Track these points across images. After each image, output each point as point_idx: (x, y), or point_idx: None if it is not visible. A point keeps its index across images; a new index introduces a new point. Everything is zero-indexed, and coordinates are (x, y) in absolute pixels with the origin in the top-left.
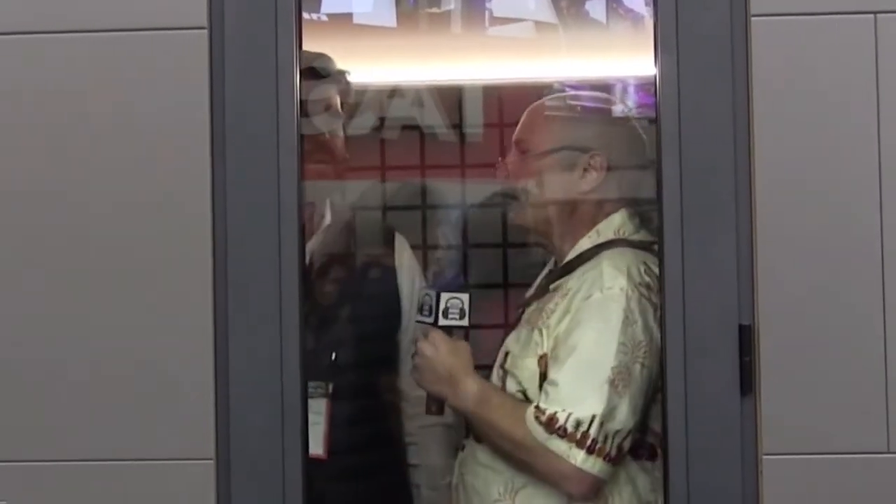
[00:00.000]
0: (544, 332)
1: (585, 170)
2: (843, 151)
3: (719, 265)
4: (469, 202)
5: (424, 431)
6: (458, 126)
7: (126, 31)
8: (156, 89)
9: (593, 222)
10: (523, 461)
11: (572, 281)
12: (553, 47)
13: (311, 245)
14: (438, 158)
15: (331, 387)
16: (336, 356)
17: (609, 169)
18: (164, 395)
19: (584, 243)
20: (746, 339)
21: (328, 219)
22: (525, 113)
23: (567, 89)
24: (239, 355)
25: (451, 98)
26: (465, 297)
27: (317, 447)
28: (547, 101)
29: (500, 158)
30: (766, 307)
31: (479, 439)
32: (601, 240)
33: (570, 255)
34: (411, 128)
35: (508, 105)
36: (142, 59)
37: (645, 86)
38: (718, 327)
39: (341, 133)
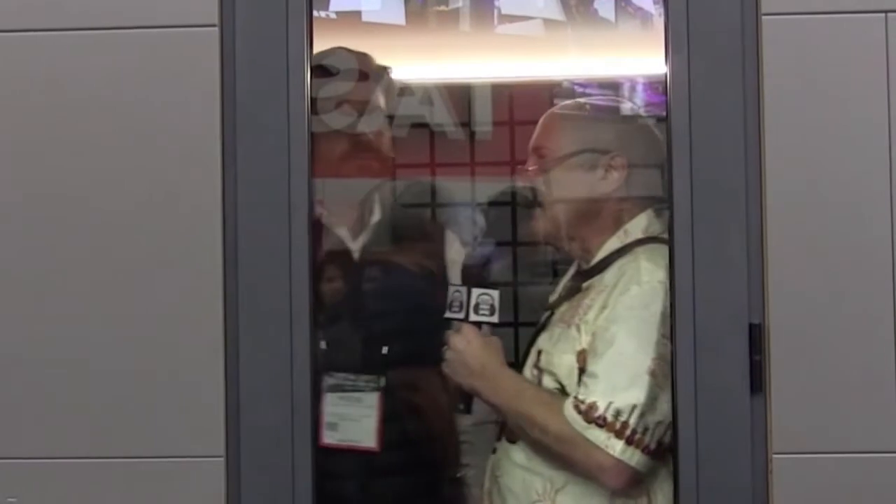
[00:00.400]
0: (582, 328)
1: (607, 171)
2: (854, 150)
3: (730, 264)
4: (478, 200)
5: (476, 430)
6: (466, 124)
7: (137, 29)
8: (167, 86)
9: (619, 223)
10: (559, 454)
11: (608, 276)
12: (562, 45)
13: (361, 241)
14: (447, 156)
15: (383, 380)
16: (388, 350)
17: (629, 169)
18: (174, 392)
19: (613, 243)
20: (757, 337)
21: (377, 215)
22: (541, 119)
23: (576, 87)
24: (249, 353)
25: (460, 96)
26: (495, 293)
27: (369, 440)
28: (562, 105)
29: (519, 166)
30: (777, 306)
31: (511, 440)
32: (630, 239)
33: (599, 256)
34: (420, 126)
35: (517, 103)
36: (153, 56)
37: (654, 84)
38: (729, 326)
39: (386, 131)
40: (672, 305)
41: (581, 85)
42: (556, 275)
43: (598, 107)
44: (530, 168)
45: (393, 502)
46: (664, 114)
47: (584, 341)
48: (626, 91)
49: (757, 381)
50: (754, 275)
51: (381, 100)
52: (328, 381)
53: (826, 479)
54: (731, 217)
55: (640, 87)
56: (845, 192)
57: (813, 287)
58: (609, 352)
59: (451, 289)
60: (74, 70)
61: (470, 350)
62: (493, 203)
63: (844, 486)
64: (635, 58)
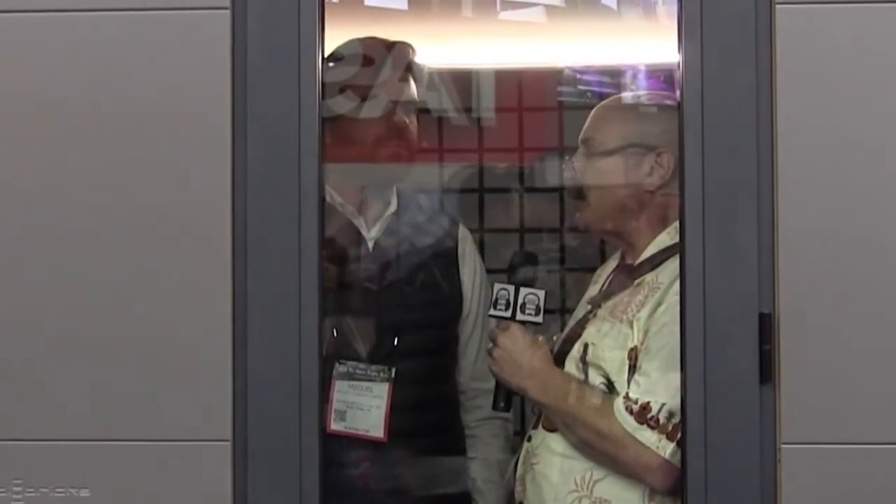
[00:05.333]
0: (635, 324)
1: (652, 167)
2: (866, 139)
3: (740, 253)
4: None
5: (482, 424)
6: (469, 110)
7: (149, 11)
8: (178, 69)
9: (667, 219)
10: (606, 453)
11: (662, 275)
12: (564, 32)
13: (375, 231)
14: (451, 142)
15: (393, 371)
16: (398, 341)
17: (676, 166)
18: (181, 376)
19: (664, 239)
20: (766, 327)
21: (393, 206)
22: (592, 112)
23: (578, 74)
24: (257, 336)
25: (463, 81)
26: (541, 293)
27: (377, 430)
28: (613, 99)
29: (567, 158)
30: (787, 295)
31: (550, 429)
32: None
33: (649, 252)
34: (422, 111)
35: (519, 89)
36: (164, 39)
37: (655, 72)
38: (738, 315)
39: (412, 118)
40: (682, 294)
41: (582, 72)
42: (563, 262)
43: (648, 102)
44: (577, 161)
45: (397, 492)
46: (664, 100)
47: (636, 338)
48: (627, 78)
49: (766, 370)
50: (765, 264)
51: (413, 89)
52: (339, 368)
53: (834, 470)
54: (742, 206)
55: (641, 75)
56: (857, 182)
57: (823, 277)
58: (664, 352)
59: (497, 286)
60: (86, 51)
61: (518, 349)
62: (499, 189)
63: (852, 476)
64: (637, 45)
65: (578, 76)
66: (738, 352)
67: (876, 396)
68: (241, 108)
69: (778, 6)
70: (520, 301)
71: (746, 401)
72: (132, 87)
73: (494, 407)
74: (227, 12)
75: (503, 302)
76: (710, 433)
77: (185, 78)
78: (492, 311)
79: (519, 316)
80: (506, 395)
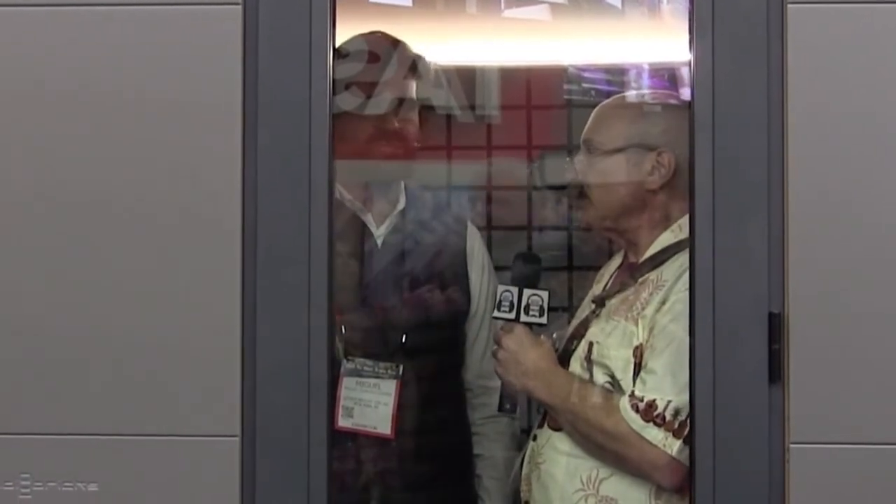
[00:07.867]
0: (640, 322)
1: (654, 167)
2: (877, 139)
3: (750, 252)
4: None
5: (488, 422)
6: (473, 107)
7: (160, 6)
8: (189, 64)
9: (671, 218)
10: (612, 452)
11: (667, 272)
12: (567, 30)
13: (383, 229)
14: (457, 139)
15: (401, 369)
16: (406, 339)
17: (678, 166)
18: (190, 371)
19: (667, 238)
20: (776, 326)
21: (402, 203)
22: (593, 112)
23: (582, 73)
24: (266, 332)
25: (467, 79)
26: (544, 294)
27: (384, 426)
28: (613, 99)
29: (567, 158)
30: (797, 295)
31: (555, 428)
32: (683, 235)
33: (652, 250)
34: (427, 108)
35: (523, 86)
36: (176, 33)
37: (658, 71)
38: (748, 315)
39: (414, 117)
40: (692, 293)
41: (586, 70)
42: (571, 261)
43: (649, 101)
44: (578, 161)
45: (404, 489)
46: (668, 101)
47: (641, 336)
48: (630, 77)
49: (775, 370)
50: (774, 264)
51: (412, 87)
52: (346, 365)
53: (843, 470)
54: (752, 206)
55: (644, 74)
56: (868, 182)
57: (833, 276)
58: (669, 349)
59: (501, 288)
60: (96, 45)
61: (523, 350)
62: (506, 187)
63: (861, 476)
64: (641, 44)
65: (583, 74)
66: (748, 351)
67: (885, 396)
68: (251, 103)
69: (789, 5)
70: (524, 302)
71: (755, 400)
72: (143, 82)
73: (500, 409)
74: (239, 7)
75: (507, 304)
76: (719, 433)
77: (196, 73)
78: (496, 314)
79: (523, 317)
80: (511, 397)
